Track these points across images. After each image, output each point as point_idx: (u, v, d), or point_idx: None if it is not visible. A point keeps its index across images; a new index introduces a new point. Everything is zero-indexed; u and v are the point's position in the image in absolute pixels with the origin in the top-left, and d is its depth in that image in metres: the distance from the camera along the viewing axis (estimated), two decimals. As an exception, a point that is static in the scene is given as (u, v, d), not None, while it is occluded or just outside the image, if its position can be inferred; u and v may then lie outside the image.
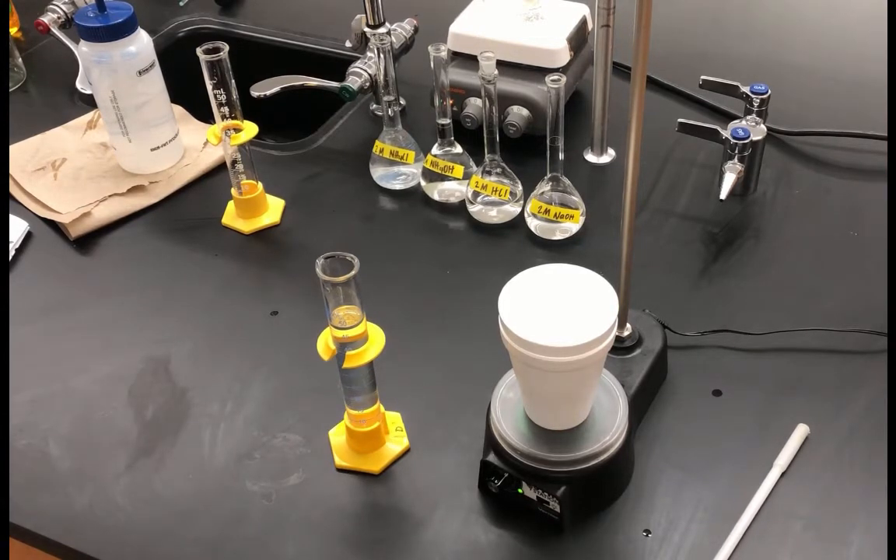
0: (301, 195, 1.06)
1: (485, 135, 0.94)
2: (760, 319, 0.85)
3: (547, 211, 0.95)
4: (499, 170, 0.97)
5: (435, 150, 1.01)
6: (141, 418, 0.82)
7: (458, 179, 1.00)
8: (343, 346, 0.69)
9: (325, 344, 0.70)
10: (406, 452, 0.76)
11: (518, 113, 1.03)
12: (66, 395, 0.84)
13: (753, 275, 0.91)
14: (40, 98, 1.27)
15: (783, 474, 0.72)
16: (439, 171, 1.01)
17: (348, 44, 1.14)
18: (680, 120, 1.00)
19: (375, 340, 0.70)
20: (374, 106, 1.18)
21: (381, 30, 1.10)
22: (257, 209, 1.02)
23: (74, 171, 1.09)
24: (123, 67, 1.01)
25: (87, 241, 1.01)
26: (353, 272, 0.64)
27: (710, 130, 0.98)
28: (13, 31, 1.38)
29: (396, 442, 0.77)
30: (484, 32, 1.06)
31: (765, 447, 0.74)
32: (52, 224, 1.03)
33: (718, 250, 0.94)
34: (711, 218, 0.98)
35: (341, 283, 0.65)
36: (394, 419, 0.78)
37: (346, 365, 0.69)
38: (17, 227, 1.01)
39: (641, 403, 0.77)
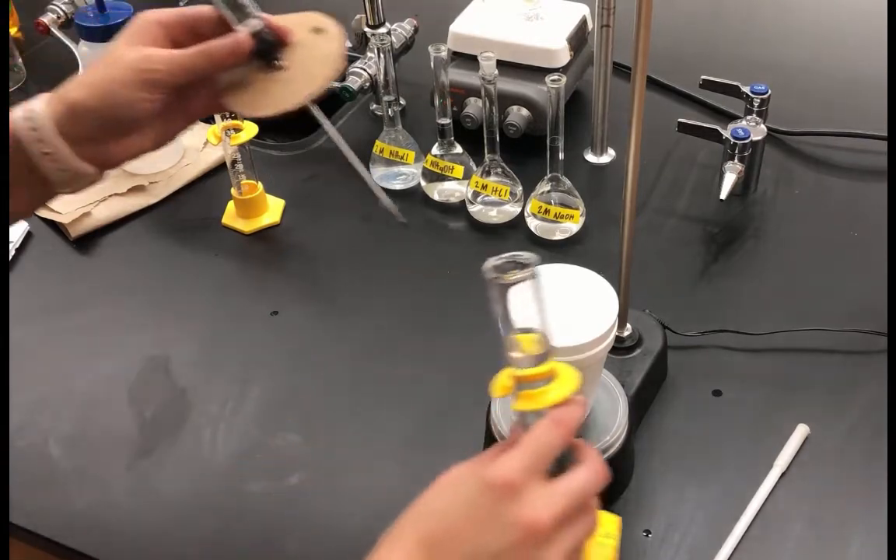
0: (301, 195, 1.06)
1: (485, 135, 0.94)
2: (760, 319, 0.84)
3: (547, 211, 0.95)
4: (499, 170, 0.97)
5: (435, 150, 1.01)
6: (141, 418, 0.82)
7: (458, 179, 1.00)
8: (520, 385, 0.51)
9: (501, 385, 0.52)
10: None
11: (518, 113, 1.03)
12: (66, 395, 0.84)
13: (753, 275, 0.91)
14: (40, 98, 1.27)
15: (783, 474, 0.72)
16: (439, 171, 1.01)
17: (348, 44, 1.14)
18: (680, 120, 1.00)
19: (567, 377, 0.51)
20: (374, 106, 1.18)
21: (381, 30, 1.10)
22: (257, 209, 1.02)
23: (74, 171, 1.09)
24: (123, 67, 1.01)
25: (87, 241, 1.01)
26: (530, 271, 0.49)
27: (710, 130, 0.98)
28: (13, 31, 1.38)
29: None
30: (484, 32, 1.06)
31: (765, 447, 0.74)
32: (52, 224, 1.02)
33: (718, 250, 0.94)
34: (711, 218, 0.98)
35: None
36: (610, 521, 0.59)
37: (517, 406, 0.51)
38: (17, 227, 1.01)
39: (641, 404, 0.77)
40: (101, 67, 0.57)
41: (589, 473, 0.50)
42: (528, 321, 0.50)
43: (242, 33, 0.59)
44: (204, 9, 0.60)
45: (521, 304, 0.49)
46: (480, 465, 0.49)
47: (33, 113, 0.55)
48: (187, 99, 0.61)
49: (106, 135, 0.57)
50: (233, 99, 0.62)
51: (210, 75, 0.60)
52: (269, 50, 0.61)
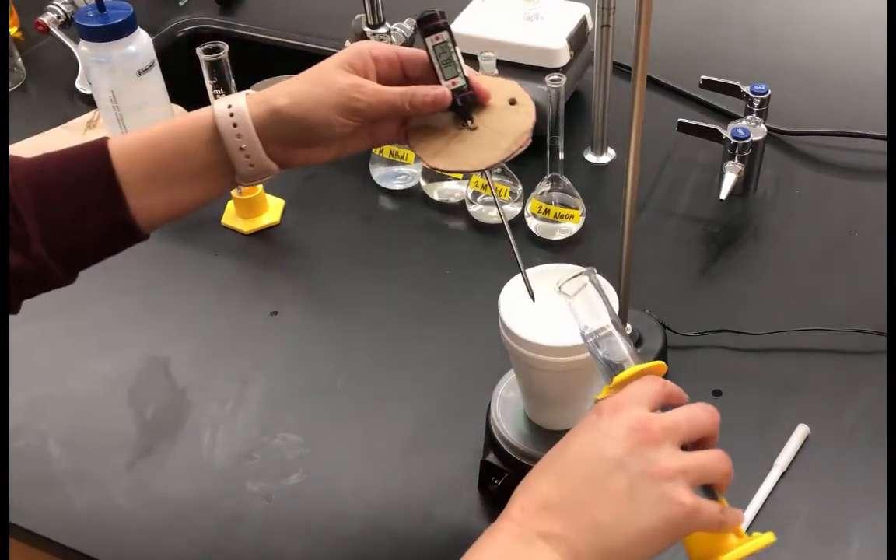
0: (301, 195, 1.06)
1: (485, 135, 0.94)
2: (760, 319, 0.84)
3: (547, 211, 0.95)
4: (498, 170, 0.97)
5: (435, 150, 1.00)
6: (141, 418, 0.82)
7: (458, 179, 1.00)
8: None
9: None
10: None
11: (518, 113, 1.03)
12: (66, 395, 0.84)
13: (753, 275, 0.91)
14: (40, 98, 1.27)
15: (783, 474, 0.72)
16: (439, 171, 1.01)
17: (348, 43, 1.14)
18: (680, 120, 1.00)
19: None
20: (374, 106, 1.18)
21: (381, 30, 1.10)
22: (257, 209, 1.02)
23: (74, 171, 1.09)
24: (123, 67, 1.01)
25: (86, 241, 1.01)
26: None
27: (710, 130, 0.98)
28: (13, 30, 1.38)
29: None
30: (484, 32, 1.06)
31: (765, 447, 0.74)
32: (52, 224, 1.02)
33: (718, 250, 0.94)
34: (711, 218, 0.98)
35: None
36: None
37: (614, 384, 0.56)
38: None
39: (641, 403, 0.77)
40: (309, 83, 0.60)
41: (697, 407, 0.52)
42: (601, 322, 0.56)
43: (446, 88, 0.61)
44: (417, 53, 0.62)
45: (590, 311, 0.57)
46: None
47: (236, 109, 0.58)
48: (377, 126, 0.64)
49: (296, 142, 0.60)
50: (417, 142, 0.63)
51: (406, 116, 0.63)
52: (465, 108, 0.63)
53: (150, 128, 0.60)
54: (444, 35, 0.61)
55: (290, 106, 0.59)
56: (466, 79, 0.62)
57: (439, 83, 0.62)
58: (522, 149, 0.62)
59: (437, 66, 0.62)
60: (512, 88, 0.65)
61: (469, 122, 0.63)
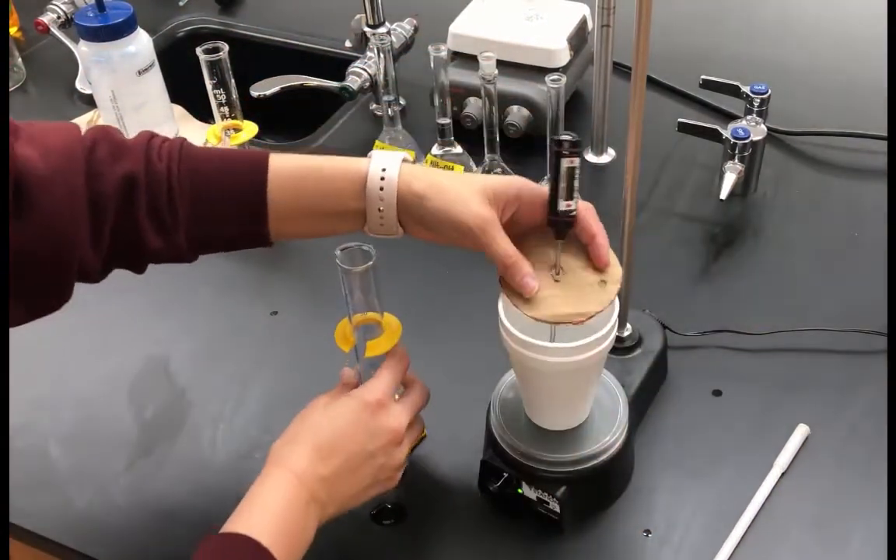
0: (301, 195, 1.05)
1: (485, 135, 0.94)
2: (760, 319, 0.85)
3: (547, 211, 0.95)
4: (499, 170, 0.97)
5: (435, 150, 1.01)
6: (141, 418, 0.82)
7: (458, 179, 1.00)
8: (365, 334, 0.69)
9: (343, 334, 0.70)
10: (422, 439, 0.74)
11: (518, 113, 1.03)
12: (66, 394, 0.84)
13: (753, 275, 0.91)
14: (40, 98, 1.27)
15: (783, 474, 0.72)
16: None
17: (348, 43, 1.14)
18: (680, 120, 1.00)
19: (394, 328, 0.70)
20: (374, 106, 1.18)
21: (381, 29, 1.10)
22: (257, 209, 1.01)
23: (74, 170, 1.09)
24: (123, 67, 1.01)
25: (86, 241, 1.01)
26: (370, 262, 0.65)
27: (710, 130, 0.98)
28: (13, 30, 1.38)
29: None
30: (484, 32, 1.06)
31: (765, 447, 0.74)
32: (52, 224, 1.02)
33: (718, 250, 0.94)
34: (711, 218, 0.98)
35: (360, 273, 0.66)
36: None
37: (368, 354, 0.69)
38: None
39: (641, 404, 0.77)
40: (452, 193, 0.63)
41: (422, 393, 0.70)
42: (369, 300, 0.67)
43: (535, 284, 0.62)
44: (543, 196, 0.63)
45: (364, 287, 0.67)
46: (350, 391, 0.66)
47: (388, 177, 0.64)
48: None
49: (420, 224, 0.65)
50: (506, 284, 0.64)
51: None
52: (561, 228, 0.64)
53: (308, 158, 0.65)
54: (576, 161, 0.61)
55: (429, 201, 0.63)
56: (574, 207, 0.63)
57: (556, 204, 0.62)
58: (574, 326, 0.61)
59: (562, 185, 0.62)
60: (613, 273, 0.64)
61: (554, 272, 0.64)
